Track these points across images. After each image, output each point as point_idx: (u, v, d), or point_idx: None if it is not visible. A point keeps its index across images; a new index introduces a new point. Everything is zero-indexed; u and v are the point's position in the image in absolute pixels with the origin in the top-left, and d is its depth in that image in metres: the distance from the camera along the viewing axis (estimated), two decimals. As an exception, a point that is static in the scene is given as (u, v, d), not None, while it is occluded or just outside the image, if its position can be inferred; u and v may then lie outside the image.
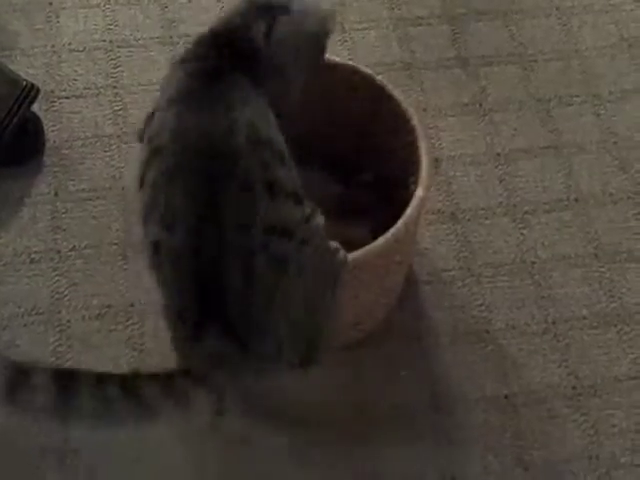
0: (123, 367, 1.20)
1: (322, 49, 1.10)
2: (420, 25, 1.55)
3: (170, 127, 0.94)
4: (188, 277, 0.92)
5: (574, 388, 1.22)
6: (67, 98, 1.44)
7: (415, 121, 1.17)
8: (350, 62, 1.25)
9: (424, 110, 1.44)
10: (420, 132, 1.16)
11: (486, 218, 1.36)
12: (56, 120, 1.42)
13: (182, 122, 0.94)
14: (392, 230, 1.09)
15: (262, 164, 0.93)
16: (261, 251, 0.92)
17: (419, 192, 1.12)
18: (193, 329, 0.94)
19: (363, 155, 1.28)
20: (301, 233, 0.95)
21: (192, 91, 0.97)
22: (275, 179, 0.93)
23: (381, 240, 1.09)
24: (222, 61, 1.00)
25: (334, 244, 1.05)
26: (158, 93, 1.01)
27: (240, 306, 0.92)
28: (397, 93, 1.20)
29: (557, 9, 1.58)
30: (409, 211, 1.11)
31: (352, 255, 1.07)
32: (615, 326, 1.27)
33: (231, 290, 0.92)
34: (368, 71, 1.22)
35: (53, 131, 1.41)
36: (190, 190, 0.91)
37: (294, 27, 1.05)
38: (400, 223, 1.10)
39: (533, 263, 1.32)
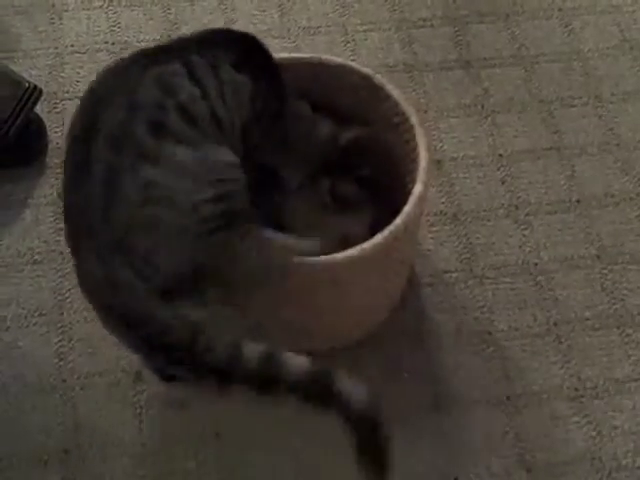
0: (125, 369, 1.21)
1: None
2: (422, 27, 1.55)
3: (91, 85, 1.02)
4: (66, 195, 0.99)
5: (576, 390, 1.22)
6: (70, 100, 1.44)
7: (414, 119, 1.17)
8: (349, 62, 1.25)
9: (426, 112, 1.44)
10: (419, 130, 1.16)
11: (488, 219, 1.36)
12: (59, 122, 1.43)
13: (102, 76, 1.02)
14: (390, 227, 1.09)
15: (157, 105, 0.98)
16: (129, 172, 0.95)
17: (417, 188, 1.12)
18: (73, 252, 0.98)
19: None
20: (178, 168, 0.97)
21: (136, 55, 1.05)
22: (164, 123, 0.97)
23: (379, 237, 1.09)
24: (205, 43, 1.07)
25: (309, 244, 1.07)
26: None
27: (102, 224, 0.95)
28: (396, 92, 1.20)
29: (559, 10, 1.58)
30: (407, 208, 1.11)
31: (349, 252, 1.07)
32: (617, 328, 1.27)
33: (95, 204, 0.95)
34: (367, 70, 1.22)
35: (56, 132, 1.41)
36: (83, 114, 0.99)
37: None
38: (398, 220, 1.10)
39: (535, 264, 1.32)
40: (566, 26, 1.56)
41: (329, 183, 1.17)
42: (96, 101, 0.99)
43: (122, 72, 1.01)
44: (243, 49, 1.09)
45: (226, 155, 1.01)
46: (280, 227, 1.15)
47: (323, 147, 1.16)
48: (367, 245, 1.08)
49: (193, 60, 1.03)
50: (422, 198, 1.12)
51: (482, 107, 1.47)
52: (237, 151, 1.04)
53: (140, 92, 0.98)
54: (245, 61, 1.07)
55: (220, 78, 1.04)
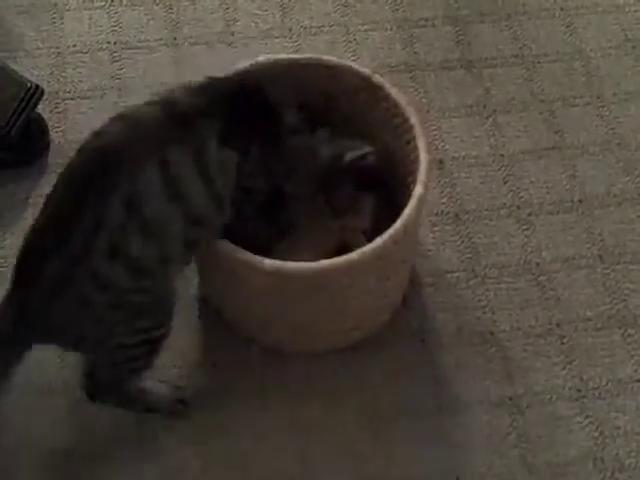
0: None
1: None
2: (424, 27, 1.54)
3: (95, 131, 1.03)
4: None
5: (579, 390, 1.22)
6: (72, 99, 1.44)
7: (414, 119, 1.17)
8: (349, 62, 1.25)
9: (427, 112, 1.44)
10: (419, 130, 1.16)
11: (490, 219, 1.36)
12: (60, 121, 1.42)
13: (103, 130, 1.03)
14: (390, 231, 1.09)
15: (120, 227, 0.99)
16: (77, 287, 1.00)
17: (418, 190, 1.12)
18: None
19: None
20: (117, 297, 1.02)
21: (144, 112, 1.03)
22: (120, 246, 0.99)
23: (379, 241, 1.09)
24: (207, 105, 1.05)
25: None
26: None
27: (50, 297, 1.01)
28: (395, 91, 1.20)
29: (561, 10, 1.58)
30: (408, 210, 1.11)
31: (350, 256, 1.07)
32: (620, 328, 1.27)
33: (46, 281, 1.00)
34: (366, 71, 1.22)
35: (57, 132, 1.41)
36: (52, 220, 1.01)
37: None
38: (399, 223, 1.10)
39: (537, 264, 1.32)
40: (568, 26, 1.56)
41: (323, 198, 1.18)
42: (65, 214, 1.00)
43: (95, 187, 1.00)
44: (231, 113, 1.05)
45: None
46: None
47: (326, 169, 1.16)
48: (367, 249, 1.08)
49: (170, 157, 1.00)
50: (422, 200, 1.12)
51: (484, 107, 1.47)
52: (213, 221, 1.07)
53: (107, 214, 0.98)
54: (233, 128, 1.05)
55: (204, 162, 1.02)
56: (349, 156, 1.15)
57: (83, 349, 1.08)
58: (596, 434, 1.19)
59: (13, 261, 1.29)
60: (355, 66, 1.23)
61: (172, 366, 1.20)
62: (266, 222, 1.15)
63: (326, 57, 1.24)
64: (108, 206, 0.98)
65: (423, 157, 1.14)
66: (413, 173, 1.15)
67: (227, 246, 1.08)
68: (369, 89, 1.21)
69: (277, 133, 1.10)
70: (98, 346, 1.06)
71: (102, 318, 1.03)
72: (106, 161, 1.00)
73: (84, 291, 1.01)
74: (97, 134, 1.03)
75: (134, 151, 1.00)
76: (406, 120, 1.18)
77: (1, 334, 1.03)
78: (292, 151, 1.12)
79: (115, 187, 0.99)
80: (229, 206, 1.07)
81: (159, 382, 1.16)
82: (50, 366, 1.20)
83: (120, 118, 1.04)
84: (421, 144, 1.15)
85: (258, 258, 1.07)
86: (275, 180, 1.12)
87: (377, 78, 1.21)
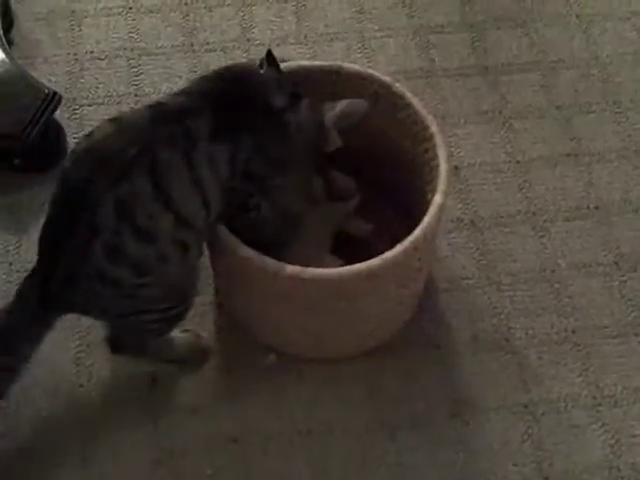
0: (141, 374, 1.21)
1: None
2: (440, 33, 1.55)
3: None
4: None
5: (594, 398, 1.21)
6: (89, 106, 1.45)
7: (434, 128, 1.18)
8: (369, 70, 1.25)
9: (443, 118, 1.44)
10: (439, 139, 1.17)
11: (505, 226, 1.36)
12: (78, 127, 1.43)
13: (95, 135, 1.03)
14: (410, 238, 1.09)
15: (114, 231, 1.00)
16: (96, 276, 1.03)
17: (437, 199, 1.12)
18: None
19: (382, 163, 1.28)
20: (127, 291, 1.05)
21: (138, 116, 1.04)
22: (120, 249, 1.01)
23: (399, 248, 1.09)
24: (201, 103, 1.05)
25: None
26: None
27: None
28: (416, 101, 1.20)
29: (577, 16, 1.57)
30: (427, 218, 1.11)
31: (371, 262, 1.07)
32: (636, 335, 1.26)
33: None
34: (387, 79, 1.23)
35: (75, 138, 1.42)
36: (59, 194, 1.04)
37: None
38: (418, 231, 1.10)
39: (553, 271, 1.32)
40: (584, 32, 1.56)
41: (322, 181, 1.18)
42: (59, 223, 1.04)
43: (85, 192, 1.00)
44: (218, 108, 1.05)
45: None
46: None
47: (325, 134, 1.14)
48: (388, 255, 1.08)
49: (160, 159, 1.00)
50: (442, 208, 1.12)
51: (499, 113, 1.47)
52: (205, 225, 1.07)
53: (99, 217, 0.99)
54: (222, 122, 1.04)
55: (193, 161, 1.02)
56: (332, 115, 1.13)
57: (108, 320, 1.12)
58: (612, 442, 1.18)
59: (30, 266, 1.31)
60: (376, 74, 1.23)
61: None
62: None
63: (345, 64, 1.24)
64: (99, 212, 0.99)
65: (443, 166, 1.14)
66: (431, 181, 1.16)
67: (247, 251, 1.08)
68: (389, 97, 1.21)
69: (268, 118, 1.09)
70: (121, 319, 1.10)
71: (118, 305, 1.07)
72: (94, 163, 1.01)
73: (94, 286, 1.03)
74: (88, 135, 1.04)
75: (122, 154, 1.00)
76: (426, 128, 1.18)
77: (25, 308, 1.06)
78: (288, 127, 1.10)
79: (105, 191, 0.99)
80: (217, 208, 1.07)
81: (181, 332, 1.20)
82: (65, 371, 1.21)
83: (112, 120, 1.05)
84: (441, 153, 1.15)
85: (279, 264, 1.07)
86: (275, 164, 1.10)
87: (398, 87, 1.21)
